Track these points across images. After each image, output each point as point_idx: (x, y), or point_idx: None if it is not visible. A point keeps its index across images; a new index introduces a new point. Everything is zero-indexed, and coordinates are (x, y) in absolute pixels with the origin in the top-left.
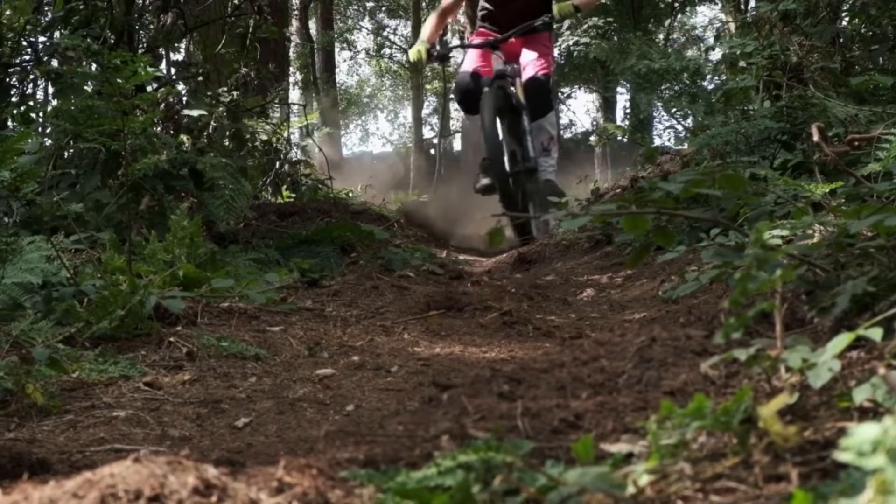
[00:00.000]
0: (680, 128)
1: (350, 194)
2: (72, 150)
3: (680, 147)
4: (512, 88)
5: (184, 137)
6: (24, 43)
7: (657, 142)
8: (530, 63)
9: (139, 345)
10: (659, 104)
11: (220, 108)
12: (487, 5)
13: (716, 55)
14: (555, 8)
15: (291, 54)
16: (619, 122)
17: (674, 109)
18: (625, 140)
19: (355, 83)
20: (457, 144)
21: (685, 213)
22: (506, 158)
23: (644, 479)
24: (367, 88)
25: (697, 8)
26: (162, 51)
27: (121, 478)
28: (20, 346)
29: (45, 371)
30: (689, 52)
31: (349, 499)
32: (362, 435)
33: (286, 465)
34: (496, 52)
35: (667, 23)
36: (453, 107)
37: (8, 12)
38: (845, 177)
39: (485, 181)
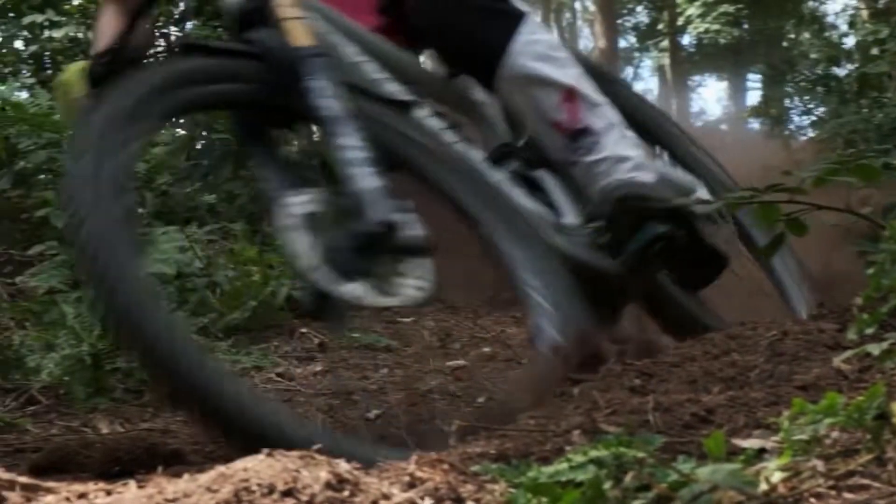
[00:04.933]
0: (813, 116)
1: None
2: (204, 141)
3: (813, 134)
4: None
5: (315, 128)
6: (157, 34)
7: (789, 128)
8: None
9: (271, 336)
10: (791, 89)
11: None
12: None
13: (849, 42)
14: None
15: None
16: (745, 111)
17: (806, 97)
18: (756, 127)
19: None
20: None
21: (818, 203)
22: None
23: (776, 476)
24: None
25: None
26: None
27: (254, 472)
28: None
29: None
30: (822, 40)
31: (481, 494)
32: (494, 429)
33: (418, 459)
34: None
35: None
36: None
37: None
38: None
39: None
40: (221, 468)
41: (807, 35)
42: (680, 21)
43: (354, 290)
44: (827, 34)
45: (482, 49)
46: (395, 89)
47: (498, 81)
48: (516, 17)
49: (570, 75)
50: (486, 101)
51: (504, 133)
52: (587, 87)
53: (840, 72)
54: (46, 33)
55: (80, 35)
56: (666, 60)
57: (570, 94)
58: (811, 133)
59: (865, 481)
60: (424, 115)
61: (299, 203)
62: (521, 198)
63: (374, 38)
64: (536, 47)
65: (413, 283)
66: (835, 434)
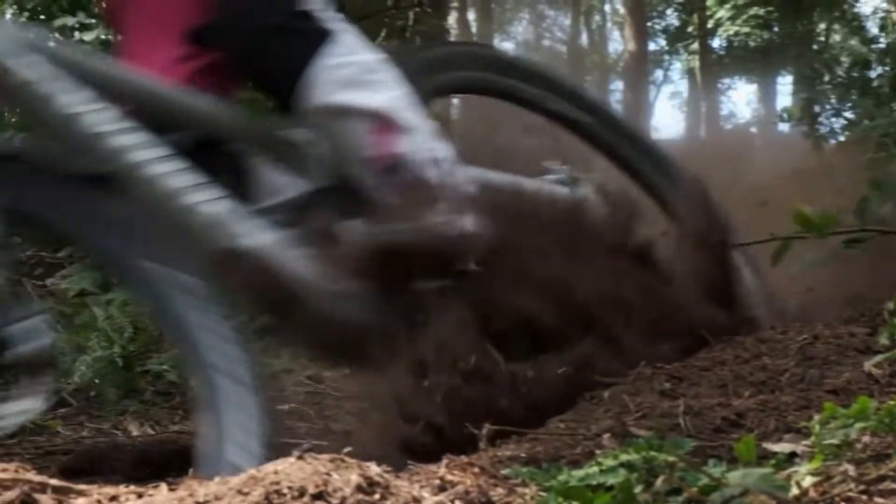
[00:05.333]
0: (843, 118)
1: None
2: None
3: (843, 138)
4: None
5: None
6: None
7: (820, 131)
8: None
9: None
10: (827, 88)
11: None
12: None
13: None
14: None
15: None
16: (779, 113)
17: (838, 100)
18: (786, 130)
19: None
20: None
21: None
22: None
23: (807, 481)
24: None
25: None
26: None
27: (285, 475)
28: None
29: None
30: (853, 42)
31: (511, 497)
32: (524, 432)
33: (448, 462)
34: None
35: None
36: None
37: None
38: None
39: None
40: (252, 471)
41: (837, 38)
42: (710, 24)
43: None
44: (857, 36)
45: (280, 77)
46: (130, 141)
47: (301, 114)
48: (318, 38)
49: (383, 99)
50: (309, 141)
51: (327, 177)
52: (407, 114)
53: (872, 74)
54: (77, 35)
55: (110, 38)
56: (696, 63)
57: (383, 123)
58: (842, 137)
59: None
60: (163, 170)
61: None
62: (295, 261)
63: (136, 79)
64: (343, 72)
65: (20, 405)
66: (866, 438)
